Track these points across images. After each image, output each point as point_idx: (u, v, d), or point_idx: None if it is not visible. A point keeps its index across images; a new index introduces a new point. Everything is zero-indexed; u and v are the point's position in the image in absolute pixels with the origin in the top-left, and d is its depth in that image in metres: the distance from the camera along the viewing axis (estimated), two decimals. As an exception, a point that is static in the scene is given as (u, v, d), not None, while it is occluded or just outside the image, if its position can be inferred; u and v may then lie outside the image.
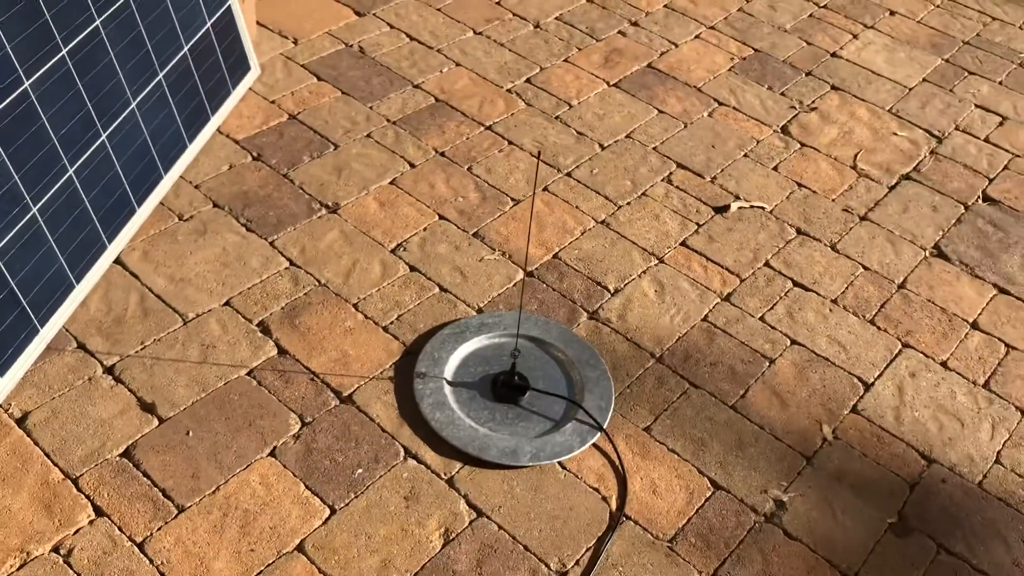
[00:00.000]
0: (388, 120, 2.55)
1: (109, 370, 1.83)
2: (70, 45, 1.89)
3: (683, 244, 2.27)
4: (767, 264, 2.25)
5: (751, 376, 1.97)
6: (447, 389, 1.85)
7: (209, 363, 1.86)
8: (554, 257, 2.20)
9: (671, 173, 2.48)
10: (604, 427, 1.81)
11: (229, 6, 2.47)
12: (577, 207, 2.34)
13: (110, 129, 2.02)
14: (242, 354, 1.89)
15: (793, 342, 2.06)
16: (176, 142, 2.26)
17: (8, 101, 1.73)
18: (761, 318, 2.11)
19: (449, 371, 1.89)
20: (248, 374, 1.86)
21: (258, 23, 2.82)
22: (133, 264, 2.05)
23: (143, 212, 2.13)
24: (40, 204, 1.82)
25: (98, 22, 1.97)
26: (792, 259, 2.27)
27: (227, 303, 1.99)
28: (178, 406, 1.78)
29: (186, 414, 1.77)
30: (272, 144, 2.41)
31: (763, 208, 2.40)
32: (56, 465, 1.66)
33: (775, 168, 2.54)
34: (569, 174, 2.44)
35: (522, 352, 1.92)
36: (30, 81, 1.79)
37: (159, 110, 2.19)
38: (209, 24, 2.38)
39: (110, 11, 2.01)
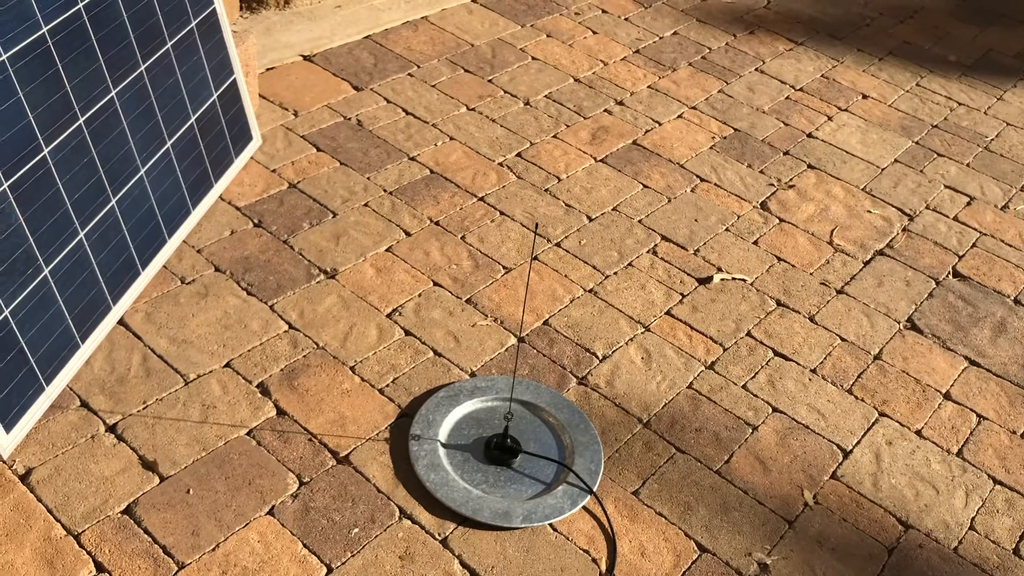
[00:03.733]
0: (385, 190, 2.64)
1: (111, 428, 1.87)
2: (87, 114, 1.98)
3: (668, 313, 2.36)
4: (749, 334, 2.34)
5: (735, 442, 2.04)
6: (441, 451, 1.91)
7: (210, 423, 1.91)
8: (544, 324, 2.28)
9: (656, 245, 2.59)
10: (594, 490, 1.87)
11: (235, 79, 2.58)
12: (566, 276, 2.43)
13: (119, 194, 2.09)
14: (242, 414, 1.94)
15: (775, 410, 2.14)
16: (180, 208, 2.34)
17: (28, 167, 1.81)
18: (744, 386, 2.19)
19: (443, 433, 1.94)
20: (248, 434, 1.91)
21: (260, 95, 2.93)
22: (136, 325, 2.10)
23: (147, 275, 2.20)
24: (51, 266, 1.88)
25: (113, 93, 2.07)
26: (773, 330, 2.36)
27: (228, 364, 2.05)
28: (179, 464, 1.82)
29: (187, 472, 1.81)
30: (273, 211, 2.50)
31: (744, 280, 2.50)
32: (59, 521, 1.69)
33: (755, 242, 2.65)
34: (559, 244, 2.54)
35: (514, 416, 1.99)
36: (49, 148, 1.87)
37: (166, 177, 2.27)
38: (216, 96, 2.49)
39: (126, 82, 2.11)
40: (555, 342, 2.23)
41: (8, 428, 1.77)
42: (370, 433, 1.94)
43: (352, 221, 2.51)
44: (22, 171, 1.80)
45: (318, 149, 2.77)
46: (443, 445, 1.92)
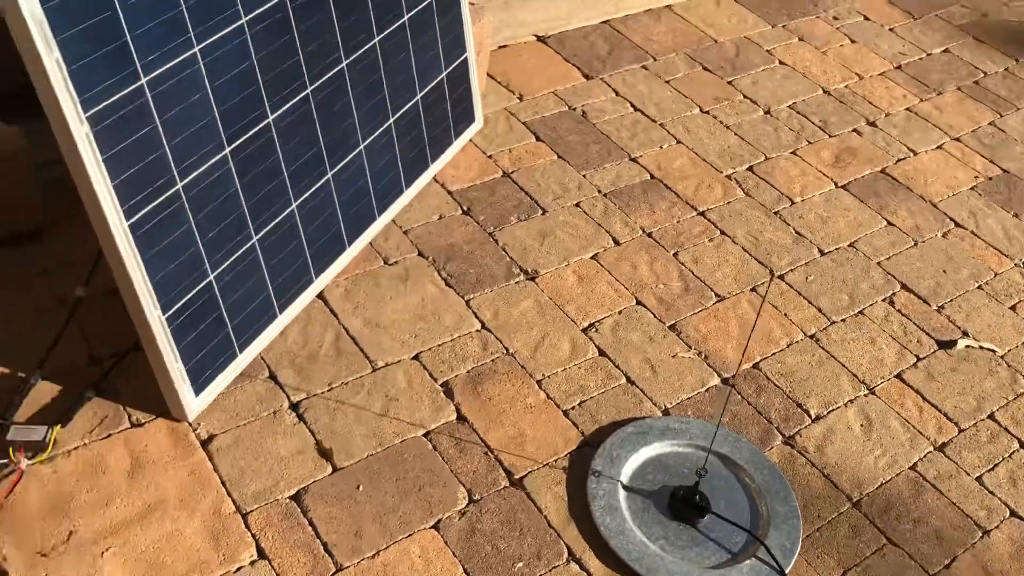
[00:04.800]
0: (599, 191, 2.49)
1: (294, 406, 1.85)
2: (315, 84, 1.95)
3: (899, 377, 2.08)
4: (992, 417, 2.02)
5: (960, 545, 1.77)
6: (621, 494, 1.76)
7: (390, 417, 1.85)
8: (754, 367, 2.07)
9: (894, 294, 2.30)
10: (786, 573, 1.66)
11: (466, 58, 2.50)
12: (786, 315, 2.20)
13: (336, 168, 2.06)
14: (422, 413, 1.87)
15: (1013, 514, 1.83)
16: (394, 186, 2.29)
17: (252, 133, 1.79)
18: (978, 479, 1.89)
19: (626, 474, 1.79)
20: (425, 435, 1.83)
21: (488, 75, 2.85)
22: (334, 301, 2.08)
23: (352, 251, 2.17)
24: (261, 234, 1.87)
25: (344, 64, 2.03)
26: (1022, 416, 2.03)
27: (416, 357, 1.98)
28: (353, 456, 1.77)
29: (360, 467, 1.76)
30: (483, 200, 2.41)
31: (994, 351, 2.17)
32: (230, 495, 1.68)
33: (1013, 308, 2.30)
34: (782, 277, 2.30)
35: (708, 471, 1.80)
36: (274, 115, 1.85)
37: (385, 154, 2.22)
38: (445, 74, 2.41)
39: (358, 54, 2.06)
40: (763, 390, 2.02)
41: (198, 391, 1.78)
42: (548, 458, 1.82)
43: (561, 221, 2.38)
44: (246, 136, 1.78)
45: (538, 138, 2.65)
46: (624, 487, 1.77)
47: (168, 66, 1.59)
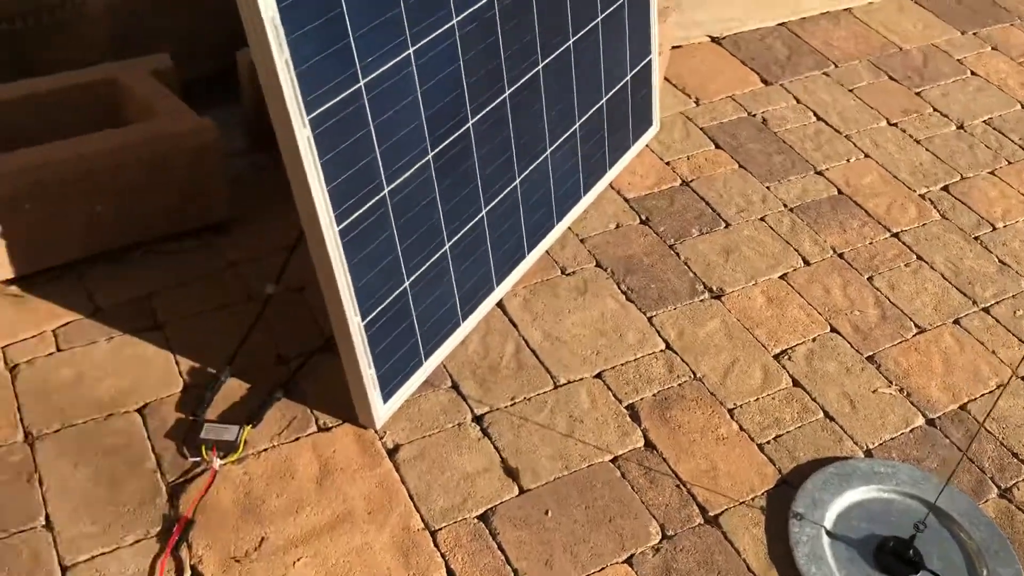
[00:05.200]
0: (785, 205, 2.36)
1: (478, 419, 1.80)
2: (513, 87, 1.87)
3: (1126, 431, 1.90)
4: None
5: None
6: (825, 540, 1.64)
7: (575, 439, 1.78)
8: (961, 408, 1.91)
9: (1114, 336, 2.10)
10: (1015, 645, 1.52)
11: (650, 59, 2.40)
12: (994, 352, 2.03)
13: (524, 173, 1.99)
14: (608, 437, 1.79)
15: None
16: (573, 192, 2.21)
17: (453, 137, 1.74)
18: None
19: (829, 519, 1.67)
20: (612, 461, 1.75)
21: (664, 78, 2.74)
22: (513, 311, 2.01)
23: (531, 258, 2.10)
24: (453, 240, 1.81)
25: (540, 66, 1.95)
26: None
27: (599, 375, 1.90)
28: (540, 478, 1.71)
29: (547, 490, 1.69)
30: (662, 210, 2.31)
31: None
32: (418, 511, 1.63)
33: None
34: (986, 310, 2.13)
35: (927, 527, 1.65)
36: (474, 120, 1.79)
37: (568, 159, 2.15)
38: (629, 76, 2.32)
39: (553, 55, 1.98)
40: (974, 435, 1.86)
41: (386, 398, 1.74)
42: (744, 495, 1.72)
43: (745, 236, 2.26)
44: (448, 140, 1.72)
45: (717, 146, 2.53)
46: (828, 533, 1.65)
47: (385, 68, 1.54)
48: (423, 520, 1.62)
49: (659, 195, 2.35)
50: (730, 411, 1.86)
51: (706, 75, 2.79)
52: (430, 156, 1.69)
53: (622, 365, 1.93)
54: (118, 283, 1.95)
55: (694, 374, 1.93)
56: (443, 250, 1.80)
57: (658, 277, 2.13)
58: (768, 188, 2.41)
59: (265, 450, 1.70)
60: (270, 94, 1.36)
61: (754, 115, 2.65)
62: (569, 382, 1.88)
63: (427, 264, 1.76)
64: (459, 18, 1.68)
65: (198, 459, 1.65)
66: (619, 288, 2.09)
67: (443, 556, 1.57)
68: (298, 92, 1.38)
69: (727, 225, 2.29)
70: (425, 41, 1.61)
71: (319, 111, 1.43)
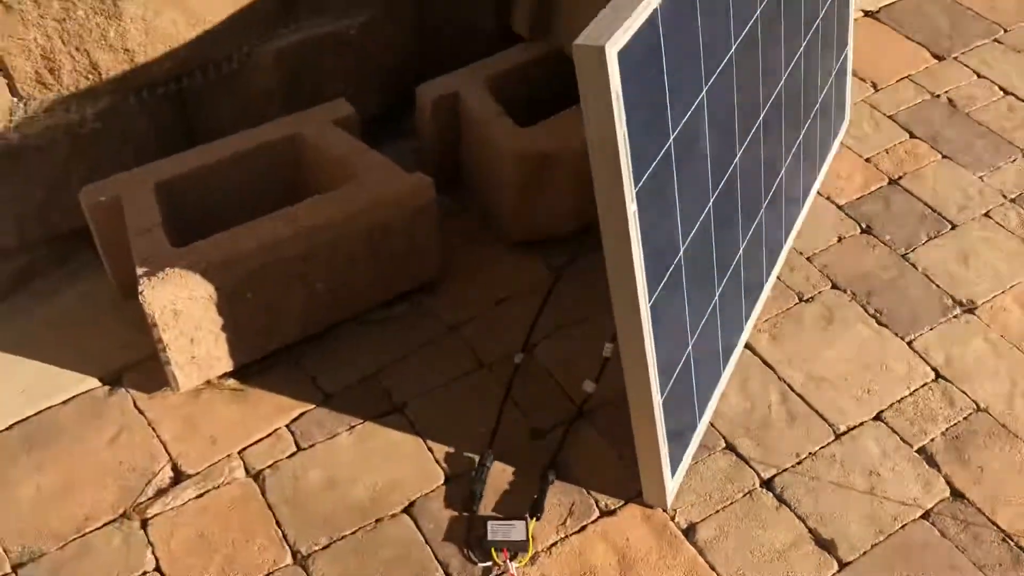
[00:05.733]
0: (1004, 196, 2.17)
1: (767, 484, 1.63)
2: (765, 109, 1.68)
3: None
4: None
5: None
6: None
7: (877, 495, 1.62)
8: None
9: None
10: None
11: (848, 48, 2.20)
12: None
13: (768, 196, 1.81)
14: (911, 490, 1.63)
15: None
16: (795, 206, 2.02)
17: (725, 179, 1.54)
18: None
19: None
20: (924, 517, 1.60)
21: (837, 61, 2.54)
22: (763, 351, 1.84)
23: (767, 289, 1.93)
24: (721, 286, 1.64)
25: (782, 81, 1.76)
26: None
27: (878, 417, 1.74)
28: (856, 548, 1.55)
29: (868, 560, 1.53)
30: (880, 215, 2.13)
31: None
32: (740, 601, 1.48)
33: None
34: None
35: None
36: (739, 154, 1.60)
37: (794, 172, 1.95)
38: (835, 70, 2.12)
39: (791, 63, 1.78)
40: None
41: (672, 472, 1.58)
42: (1080, 544, 1.57)
43: (976, 237, 2.08)
44: (722, 183, 1.53)
45: (911, 135, 2.34)
46: None
47: (685, 121, 1.35)
48: (750, 612, 1.47)
49: (871, 198, 2.17)
50: (1031, 445, 1.70)
51: (875, 55, 2.58)
52: (711, 202, 1.51)
53: (898, 403, 1.76)
54: (338, 363, 1.78)
55: (977, 405, 1.76)
56: (714, 299, 1.62)
57: (903, 295, 1.95)
58: (981, 179, 2.22)
59: (554, 544, 1.54)
60: (603, 170, 1.18)
61: (938, 96, 2.45)
62: (849, 429, 1.72)
63: (703, 321, 1.58)
64: (736, 44, 1.48)
65: (488, 564, 1.50)
66: (866, 312, 1.92)
67: (785, 653, 1.43)
68: (630, 165, 1.20)
69: (953, 226, 2.10)
70: (713, 79, 1.42)
71: (641, 184, 1.25)
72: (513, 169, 1.86)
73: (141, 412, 1.69)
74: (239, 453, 1.63)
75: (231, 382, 1.73)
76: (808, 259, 2.03)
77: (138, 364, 1.76)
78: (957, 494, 1.62)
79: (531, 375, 1.77)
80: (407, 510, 1.57)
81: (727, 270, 1.66)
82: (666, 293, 1.40)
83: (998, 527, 1.58)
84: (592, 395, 1.72)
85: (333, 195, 1.70)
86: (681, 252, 1.43)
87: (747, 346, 1.85)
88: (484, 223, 2.06)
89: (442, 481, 1.61)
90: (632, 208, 1.22)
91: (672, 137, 1.31)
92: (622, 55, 1.10)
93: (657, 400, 1.43)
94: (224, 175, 1.79)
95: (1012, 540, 1.56)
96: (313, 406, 1.71)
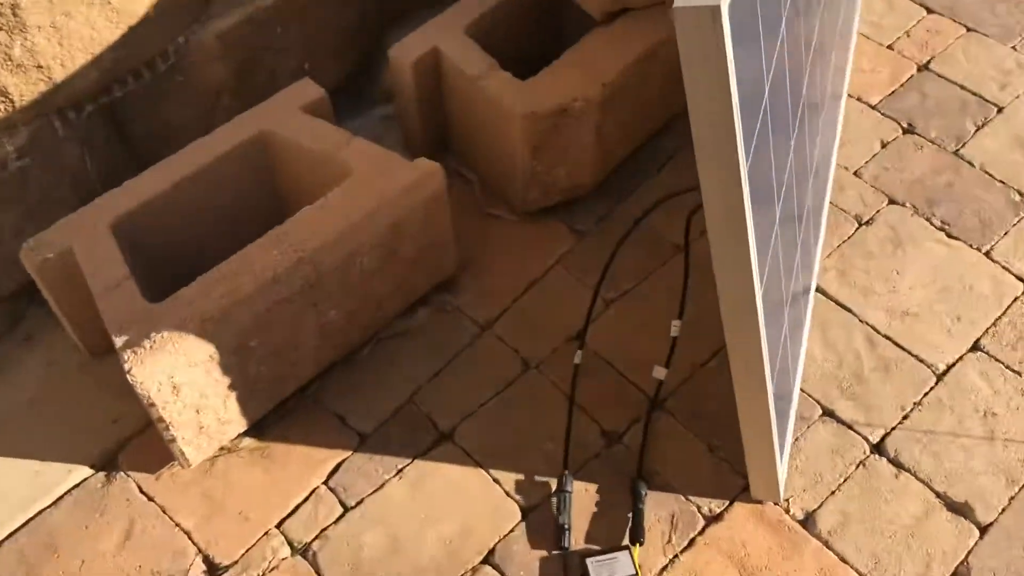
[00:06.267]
0: (1044, 66, 1.98)
1: (879, 449, 1.45)
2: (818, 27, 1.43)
3: None
4: None
5: None
6: None
7: (999, 439, 1.45)
8: None
9: None
10: None
11: (858, -73, 1.94)
12: None
13: (819, 121, 1.57)
14: (1032, 425, 1.47)
15: None
16: (833, 118, 1.79)
17: (797, 125, 1.31)
18: None
19: None
20: (1054, 456, 1.44)
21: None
22: (836, 291, 1.64)
23: (824, 216, 1.71)
24: (800, 247, 1.42)
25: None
26: None
27: (976, 347, 1.56)
28: (993, 506, 1.37)
29: (1010, 518, 1.36)
30: (918, 110, 1.90)
31: None
32: (885, 594, 1.31)
33: None
34: None
35: None
36: (805, 93, 1.36)
37: (831, 80, 1.72)
38: (849, -44, 1.86)
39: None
40: None
41: (780, 454, 1.39)
42: None
43: (1026, 117, 1.89)
44: (796, 129, 1.30)
45: (929, 10, 2.10)
46: None
47: (769, 83, 1.10)
48: (899, 606, 1.31)
49: (905, 91, 1.94)
50: None
51: (868, -78, 2.33)
52: (792, 147, 1.27)
53: (993, 326, 1.58)
54: (366, 394, 1.52)
55: (1078, 315, 1.60)
56: (796, 259, 1.40)
57: (966, 198, 1.75)
58: (1014, 48, 2.01)
59: (664, 569, 1.34)
60: (714, 148, 0.93)
61: (946, -41, 2.22)
62: (949, 367, 1.54)
63: (790, 269, 1.37)
64: (794, -44, 1.22)
65: (599, 608, 1.31)
66: (932, 225, 1.72)
67: (950, 647, 1.27)
68: (742, 142, 0.95)
69: (999, 109, 1.89)
70: (781, 34, 1.16)
71: (750, 159, 1.01)
72: (522, 131, 1.59)
73: (150, 498, 1.43)
74: (278, 527, 1.39)
75: (249, 442, 1.47)
76: (855, 174, 1.81)
77: (132, 439, 1.48)
78: (1082, 421, 1.47)
79: (587, 367, 1.54)
80: (488, 560, 1.35)
81: (801, 218, 1.44)
82: (765, 257, 1.17)
83: None
84: (663, 382, 1.51)
85: (329, 202, 1.41)
86: (779, 209, 1.20)
87: (818, 290, 1.65)
88: (489, 194, 1.80)
89: (519, 517, 1.39)
90: (746, 189, 0.99)
91: (766, 96, 1.06)
92: (731, 14, 0.85)
93: (769, 393, 1.22)
94: (187, 198, 1.49)
95: None
96: (349, 452, 1.46)
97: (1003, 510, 1.38)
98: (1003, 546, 1.34)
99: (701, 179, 0.99)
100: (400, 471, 1.44)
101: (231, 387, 1.35)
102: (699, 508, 1.40)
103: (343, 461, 1.46)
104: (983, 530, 1.36)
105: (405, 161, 1.48)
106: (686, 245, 1.43)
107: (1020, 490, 1.39)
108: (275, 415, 1.49)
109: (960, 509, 1.38)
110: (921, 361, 1.54)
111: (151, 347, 1.26)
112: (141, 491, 1.43)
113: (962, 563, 1.32)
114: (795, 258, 1.43)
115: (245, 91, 1.67)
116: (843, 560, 1.33)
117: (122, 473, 1.45)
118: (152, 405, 1.27)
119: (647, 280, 1.65)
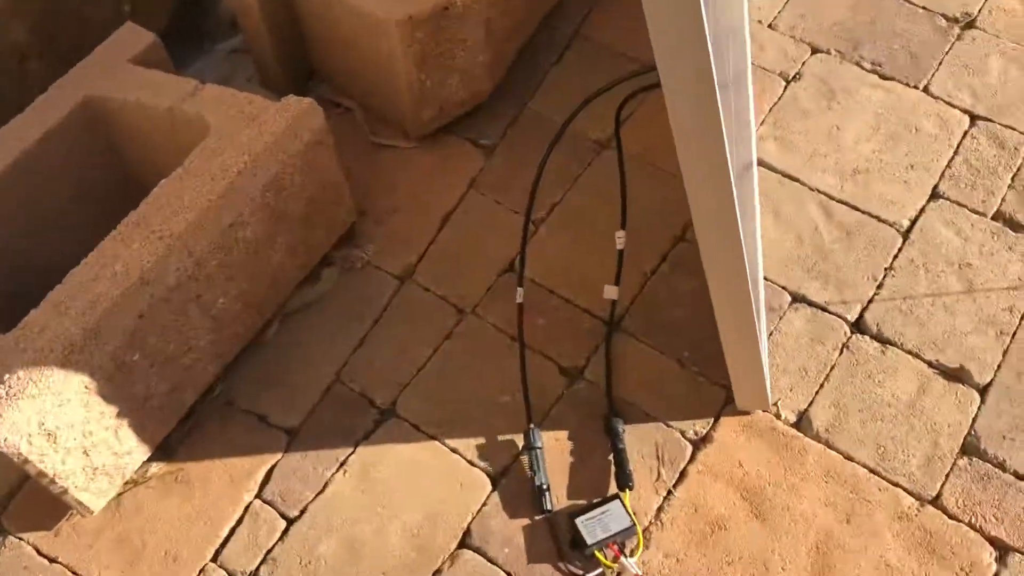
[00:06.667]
0: None
1: (859, 327, 1.32)
2: None
3: None
4: None
5: None
6: None
7: (979, 290, 1.33)
8: None
9: None
10: None
11: None
12: None
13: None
14: (1010, 268, 1.34)
15: None
16: (736, -32, 1.60)
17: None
18: None
19: None
20: (1037, 296, 1.34)
21: None
22: (776, 160, 1.47)
23: (749, 79, 1.54)
24: (727, 88, 1.24)
25: None
26: None
27: (935, 194, 1.43)
28: (988, 364, 1.25)
29: (1006, 373, 1.26)
30: (823, -58, 1.74)
31: None
32: (896, 483, 1.20)
33: None
34: None
35: None
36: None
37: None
38: None
39: None
40: None
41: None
42: None
43: (935, -68, 1.73)
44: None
45: None
46: None
47: None
48: (914, 494, 1.20)
49: (803, -75, 1.77)
50: (1106, 165, 1.45)
51: None
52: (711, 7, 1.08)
53: (948, 168, 1.46)
54: (283, 383, 1.29)
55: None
56: (734, 132, 1.23)
57: (891, 33, 1.60)
58: None
59: (661, 510, 1.20)
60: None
61: None
62: (913, 222, 1.41)
63: (735, 170, 1.20)
64: None
65: (600, 571, 1.16)
66: (863, 69, 1.57)
67: (947, 481, 1.18)
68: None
69: (904, -74, 1.75)
70: None
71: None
72: (401, 40, 1.35)
73: (53, 559, 1.19)
74: (214, 560, 1.18)
75: (158, 468, 1.24)
76: (770, 27, 1.64)
77: (13, 496, 1.24)
78: (1058, 254, 1.38)
79: (529, 300, 1.35)
80: (465, 543, 1.18)
81: (728, 69, 1.26)
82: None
83: (1115, 275, 1.35)
84: (617, 301, 1.34)
85: (189, 170, 1.16)
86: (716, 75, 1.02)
87: (759, 163, 1.49)
88: (375, 120, 1.56)
89: (490, 487, 1.22)
90: (711, 52, 0.79)
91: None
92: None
93: (749, 269, 1.06)
94: (9, 199, 1.21)
95: None
96: (279, 455, 1.25)
97: (998, 366, 1.27)
98: (1006, 406, 1.24)
99: (661, 56, 0.80)
100: (343, 464, 1.24)
101: (120, 415, 1.12)
102: (683, 433, 1.25)
103: (274, 467, 1.25)
104: (983, 392, 1.26)
105: (269, 102, 1.23)
106: (618, 142, 1.24)
107: (1011, 341, 1.30)
108: (181, 431, 1.26)
109: (956, 375, 1.27)
110: (883, 221, 1.41)
111: (7, 395, 1.01)
112: (40, 553, 1.19)
113: (969, 432, 1.23)
114: (733, 132, 1.26)
115: (54, 51, 1.37)
116: (848, 458, 1.22)
117: (12, 537, 1.21)
118: (26, 462, 1.03)
119: (574, 188, 1.46)
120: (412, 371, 1.31)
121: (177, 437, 1.26)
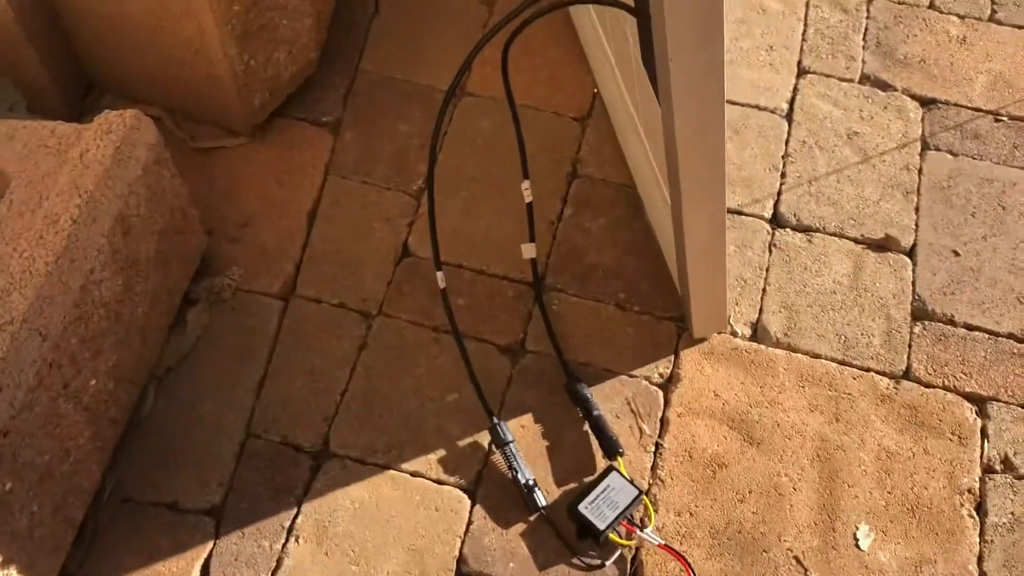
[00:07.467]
0: None
1: (776, 221, 1.25)
2: None
3: None
4: None
5: None
6: None
7: (873, 155, 1.31)
8: None
9: None
10: None
11: None
12: None
13: None
14: (892, 128, 1.32)
15: None
16: None
17: None
18: None
19: None
20: (925, 148, 1.33)
21: None
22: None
23: (589, -6, 1.42)
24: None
25: None
26: None
27: (802, 71, 1.38)
28: (906, 226, 1.24)
29: (926, 225, 1.25)
30: None
31: None
32: (846, 363, 1.15)
33: None
34: None
35: None
36: None
37: None
38: None
39: None
40: None
41: (705, 286, 1.15)
42: (1053, 79, 1.39)
43: None
44: None
45: None
46: None
47: None
48: (887, 373, 1.16)
49: None
50: None
51: None
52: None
53: (804, 42, 1.41)
54: (185, 458, 1.05)
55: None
56: (631, 47, 1.11)
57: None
58: None
59: (655, 467, 1.10)
60: None
61: None
62: (791, 103, 1.35)
63: (645, 80, 1.08)
64: None
65: (619, 552, 1.03)
66: None
67: (911, 352, 1.16)
68: None
69: None
70: None
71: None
72: (218, 20, 1.11)
73: None
74: None
75: None
76: (586, -67, 1.53)
77: None
78: (927, 101, 1.38)
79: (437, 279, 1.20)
80: (463, 571, 1.03)
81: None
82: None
83: (979, 108, 1.38)
84: (536, 259, 1.21)
85: (4, 235, 0.89)
86: None
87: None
88: (186, 123, 1.30)
89: (469, 502, 1.07)
90: None
91: None
92: None
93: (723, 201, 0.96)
94: None
95: (1001, 115, 1.37)
96: (210, 544, 1.03)
97: (916, 225, 1.27)
98: (936, 262, 1.24)
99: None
100: (290, 530, 1.04)
101: (4, 562, 0.87)
102: (649, 379, 1.15)
103: (208, 559, 1.02)
104: (911, 255, 1.24)
105: (78, 126, 0.98)
106: (507, 86, 1.09)
107: (919, 198, 1.29)
108: (79, 549, 1.01)
109: (882, 244, 1.25)
110: (763, 109, 1.36)
111: None
112: None
113: (914, 298, 1.22)
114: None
115: None
116: (815, 356, 1.16)
117: None
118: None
119: (443, 148, 1.30)
120: (334, 399, 1.12)
121: (79, 558, 1.01)
